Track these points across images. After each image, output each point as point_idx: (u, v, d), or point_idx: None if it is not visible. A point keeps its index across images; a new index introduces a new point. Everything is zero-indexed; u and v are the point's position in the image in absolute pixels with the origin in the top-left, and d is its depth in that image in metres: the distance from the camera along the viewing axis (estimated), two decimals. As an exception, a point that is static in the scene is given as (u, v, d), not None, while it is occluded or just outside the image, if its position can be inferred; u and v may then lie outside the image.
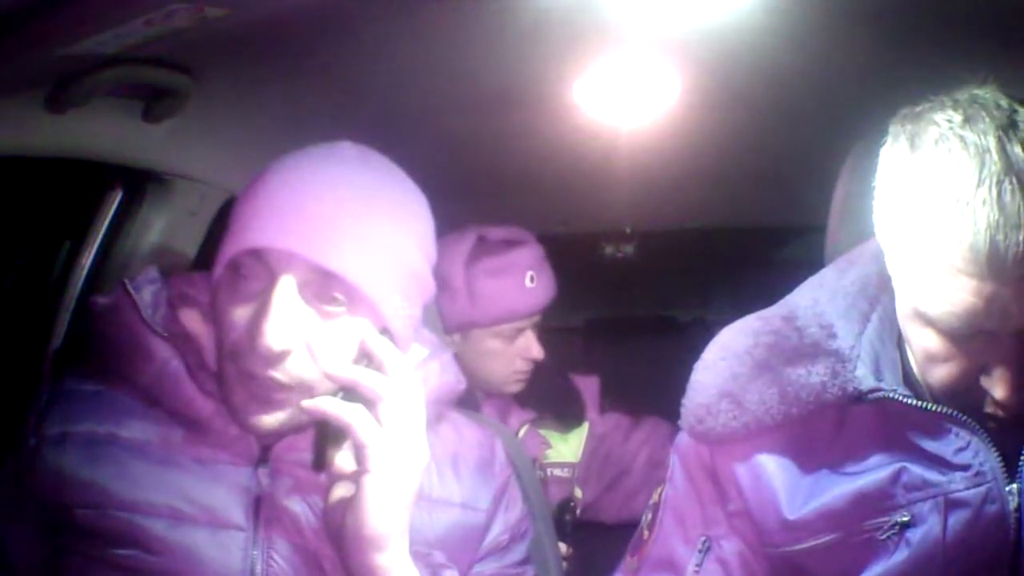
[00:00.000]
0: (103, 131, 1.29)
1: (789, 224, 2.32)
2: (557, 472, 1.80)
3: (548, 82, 1.41)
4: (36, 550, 0.98)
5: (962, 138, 0.79)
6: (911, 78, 1.25)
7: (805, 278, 1.08)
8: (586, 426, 1.89)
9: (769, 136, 1.66)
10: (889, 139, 0.87)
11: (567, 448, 1.86)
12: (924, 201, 0.80)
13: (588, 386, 1.93)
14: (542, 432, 1.83)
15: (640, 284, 2.85)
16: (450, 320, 1.68)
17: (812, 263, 1.19)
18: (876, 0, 1.17)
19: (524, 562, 1.12)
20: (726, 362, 1.00)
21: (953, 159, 0.78)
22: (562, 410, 1.85)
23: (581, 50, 1.30)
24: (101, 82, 1.13)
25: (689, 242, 2.55)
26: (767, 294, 1.09)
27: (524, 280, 1.74)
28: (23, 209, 1.66)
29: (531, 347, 1.75)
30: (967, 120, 0.80)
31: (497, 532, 1.09)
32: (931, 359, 0.87)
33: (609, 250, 2.52)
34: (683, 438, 1.07)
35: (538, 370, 1.82)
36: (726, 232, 2.43)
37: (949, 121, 0.81)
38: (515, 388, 1.77)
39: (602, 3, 1.16)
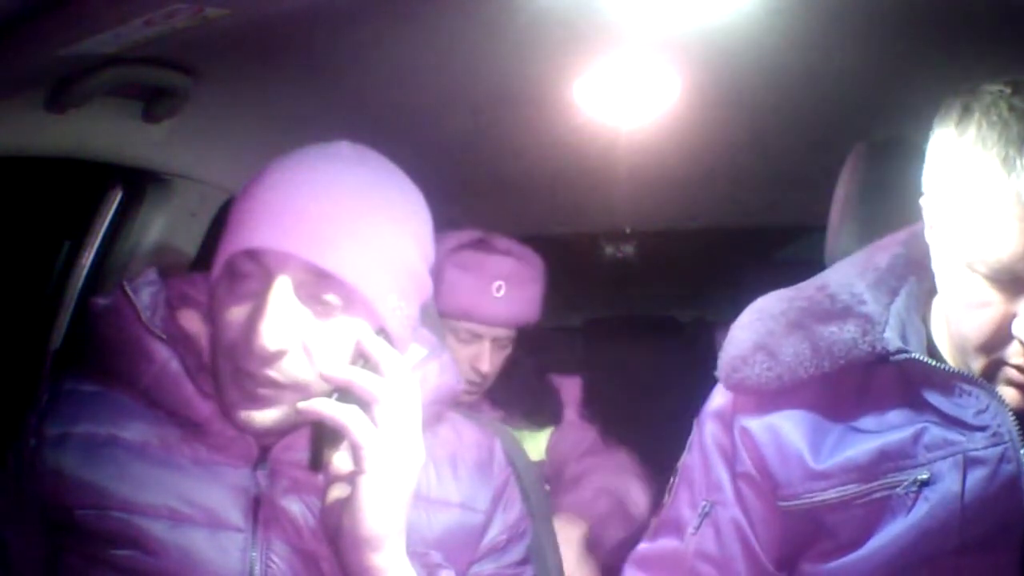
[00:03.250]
0: (103, 131, 1.29)
1: (789, 224, 2.32)
2: None
3: (548, 82, 1.41)
4: (36, 550, 0.98)
5: (1011, 104, 0.87)
6: (911, 78, 1.26)
7: (805, 278, 1.09)
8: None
9: (769, 136, 1.66)
10: (942, 111, 0.94)
11: (535, 446, 1.84)
12: (977, 158, 0.88)
13: (569, 386, 1.91)
14: (512, 431, 1.81)
15: (640, 284, 2.85)
16: None
17: (812, 263, 1.19)
18: (876, 0, 1.17)
19: (523, 562, 1.12)
20: (762, 321, 1.05)
21: (1003, 121, 0.87)
22: (534, 408, 1.83)
23: (581, 50, 1.30)
24: (101, 82, 1.13)
25: (689, 242, 2.55)
26: (767, 294, 1.09)
27: (489, 285, 1.71)
28: (23, 209, 1.66)
29: (480, 357, 1.72)
30: (1016, 91, 0.88)
31: (495, 532, 1.09)
32: (971, 307, 0.92)
33: (609, 250, 2.52)
34: (704, 409, 1.12)
35: (514, 369, 1.81)
36: (726, 232, 2.43)
37: (1000, 91, 0.89)
38: (461, 398, 1.75)
39: (602, 3, 1.16)
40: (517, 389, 1.82)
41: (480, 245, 1.77)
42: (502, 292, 1.72)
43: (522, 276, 1.77)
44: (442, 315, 1.70)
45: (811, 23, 1.21)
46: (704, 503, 1.08)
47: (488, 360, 1.73)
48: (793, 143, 1.67)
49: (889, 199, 1.13)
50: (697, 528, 1.08)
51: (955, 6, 1.18)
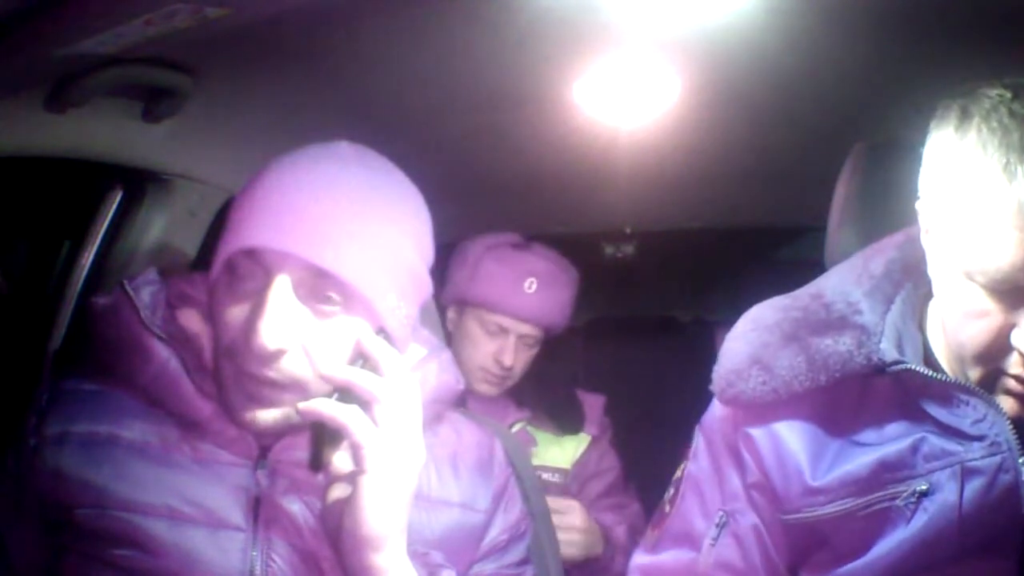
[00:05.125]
0: (103, 131, 1.29)
1: (789, 224, 2.32)
2: (546, 476, 1.79)
3: (548, 82, 1.41)
4: (36, 550, 0.99)
5: (1011, 110, 0.86)
6: (911, 78, 1.26)
7: (805, 278, 1.09)
8: (585, 439, 1.88)
9: (769, 136, 1.66)
10: (939, 114, 0.93)
11: (562, 453, 1.85)
12: (976, 165, 0.86)
13: (592, 403, 1.92)
14: (535, 431, 1.83)
15: (640, 284, 2.85)
16: (451, 291, 1.79)
17: (812, 263, 1.19)
18: (876, 1, 1.17)
19: (523, 562, 1.12)
20: (756, 332, 1.04)
21: (1003, 127, 0.85)
22: (558, 414, 1.85)
23: (581, 50, 1.30)
24: (101, 82, 1.13)
25: (689, 242, 2.55)
26: (767, 294, 1.09)
27: (522, 280, 1.76)
28: (23, 209, 1.66)
29: (503, 351, 1.76)
30: (1016, 96, 0.87)
31: (496, 532, 1.09)
32: (970, 316, 0.91)
33: (609, 250, 2.52)
34: (708, 416, 1.11)
35: (543, 375, 1.83)
36: (726, 232, 2.43)
37: (1000, 96, 0.87)
38: (482, 387, 1.77)
39: (602, 3, 1.16)
40: (544, 394, 1.84)
41: (519, 246, 1.83)
42: (534, 288, 1.76)
43: (555, 278, 1.81)
44: (474, 305, 1.77)
45: (811, 23, 1.21)
46: (720, 513, 1.07)
47: (511, 354, 1.76)
48: (793, 143, 1.67)
49: (889, 199, 1.13)
50: (716, 539, 1.06)
51: (955, 6, 1.18)
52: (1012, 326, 0.88)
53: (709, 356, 1.09)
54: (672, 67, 1.39)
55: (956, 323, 0.93)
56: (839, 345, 0.99)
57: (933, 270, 0.96)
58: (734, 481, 1.06)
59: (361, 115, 1.41)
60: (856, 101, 1.47)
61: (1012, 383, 0.92)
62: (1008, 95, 0.87)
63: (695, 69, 1.38)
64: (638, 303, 3.04)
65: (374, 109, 1.43)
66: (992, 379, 0.93)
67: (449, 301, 1.81)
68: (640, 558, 1.16)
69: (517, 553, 1.12)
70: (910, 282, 1.02)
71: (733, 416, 1.06)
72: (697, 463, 1.11)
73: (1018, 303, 0.88)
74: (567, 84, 1.42)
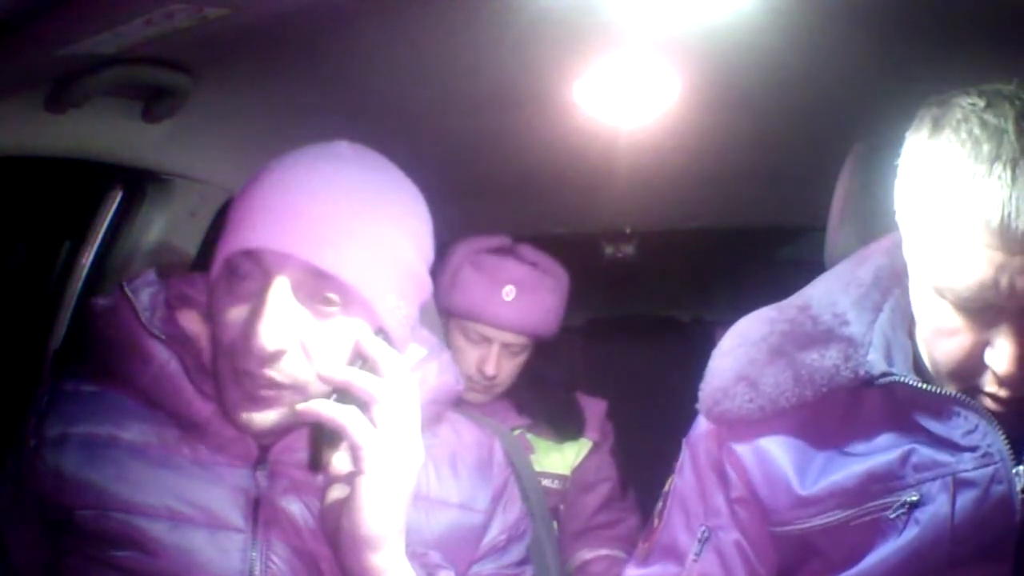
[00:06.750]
0: (103, 131, 1.29)
1: (789, 224, 2.32)
2: (546, 483, 1.77)
3: (548, 82, 1.41)
4: (36, 551, 0.99)
5: (982, 120, 0.83)
6: (911, 78, 1.26)
7: (805, 278, 1.08)
8: (586, 444, 1.87)
9: (769, 136, 1.66)
10: (915, 123, 0.91)
11: (562, 459, 1.84)
12: (945, 177, 0.84)
13: (593, 407, 1.91)
14: (535, 438, 1.82)
15: (640, 284, 2.85)
16: (436, 299, 1.74)
17: (812, 263, 1.19)
18: (876, 0, 1.17)
19: (522, 562, 1.12)
20: (743, 348, 1.03)
21: (973, 138, 0.83)
22: (558, 421, 1.84)
23: (581, 50, 1.30)
24: (101, 82, 1.13)
25: (689, 242, 2.55)
26: (767, 294, 1.09)
27: (500, 288, 1.73)
28: (23, 209, 1.66)
29: (486, 360, 1.73)
30: (989, 105, 0.84)
31: (495, 532, 1.09)
32: (941, 333, 0.90)
33: (609, 250, 2.52)
34: (694, 431, 1.10)
35: (542, 380, 1.82)
36: (726, 232, 2.43)
37: (972, 105, 0.85)
38: (469, 396, 1.74)
39: (602, 3, 1.16)
40: (544, 399, 1.82)
41: (502, 250, 1.79)
42: (512, 296, 1.73)
43: (536, 284, 1.77)
44: (453, 314, 1.74)
45: (811, 23, 1.21)
46: (703, 528, 1.06)
47: (493, 364, 1.73)
48: (793, 143, 1.67)
49: (889, 199, 1.13)
50: (699, 555, 1.06)
51: (955, 6, 1.18)
52: (985, 344, 0.87)
53: (709, 356, 1.09)
54: (672, 67, 1.39)
55: (930, 340, 0.92)
56: (825, 360, 0.97)
57: (911, 283, 0.95)
58: (717, 497, 1.05)
59: (361, 115, 1.40)
60: (856, 101, 1.47)
61: (988, 401, 0.91)
62: (981, 104, 0.84)
63: (695, 69, 1.38)
64: (638, 303, 3.04)
65: (374, 109, 1.43)
66: (970, 395, 0.92)
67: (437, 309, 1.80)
68: (631, 571, 1.15)
69: (516, 553, 1.12)
70: (899, 289, 1.00)
71: (717, 432, 1.05)
72: (683, 477, 1.10)
73: (989, 321, 0.86)
74: (567, 84, 1.42)
